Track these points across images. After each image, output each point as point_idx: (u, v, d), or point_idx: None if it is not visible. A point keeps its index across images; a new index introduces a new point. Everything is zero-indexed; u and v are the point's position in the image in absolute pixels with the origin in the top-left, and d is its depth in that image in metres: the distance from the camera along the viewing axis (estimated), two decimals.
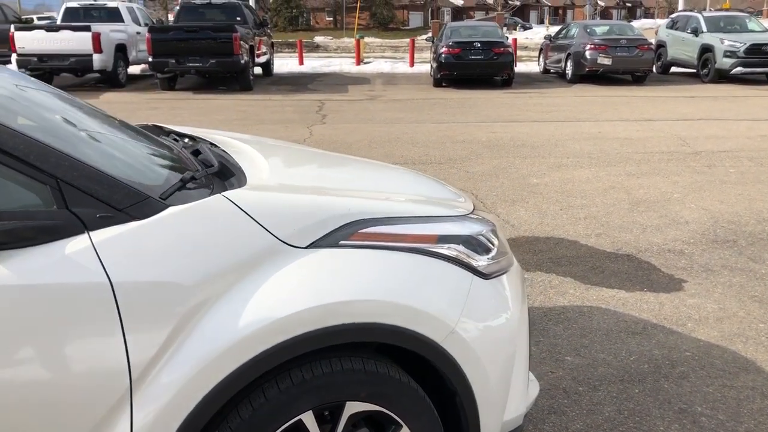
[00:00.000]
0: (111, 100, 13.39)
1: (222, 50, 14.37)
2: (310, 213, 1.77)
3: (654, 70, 17.98)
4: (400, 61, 22.80)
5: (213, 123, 10.41)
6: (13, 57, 14.94)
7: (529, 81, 17.51)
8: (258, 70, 18.23)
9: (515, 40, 22.65)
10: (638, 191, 6.39)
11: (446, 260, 1.90)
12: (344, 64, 21.41)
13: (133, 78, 17.36)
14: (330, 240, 1.76)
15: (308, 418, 1.71)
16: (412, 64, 21.24)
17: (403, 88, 16.12)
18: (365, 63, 21.85)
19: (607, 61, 16.20)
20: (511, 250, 2.26)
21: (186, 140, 2.52)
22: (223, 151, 2.32)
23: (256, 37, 16.51)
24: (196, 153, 2.24)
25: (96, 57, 15.01)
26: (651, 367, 3.19)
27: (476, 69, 15.89)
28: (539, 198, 6.17)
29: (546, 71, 19.34)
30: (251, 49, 15.59)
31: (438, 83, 16.24)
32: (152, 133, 2.57)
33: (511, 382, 2.01)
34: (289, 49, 28.45)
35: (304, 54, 22.06)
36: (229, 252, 1.63)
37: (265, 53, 18.06)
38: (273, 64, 19.39)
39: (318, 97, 14.12)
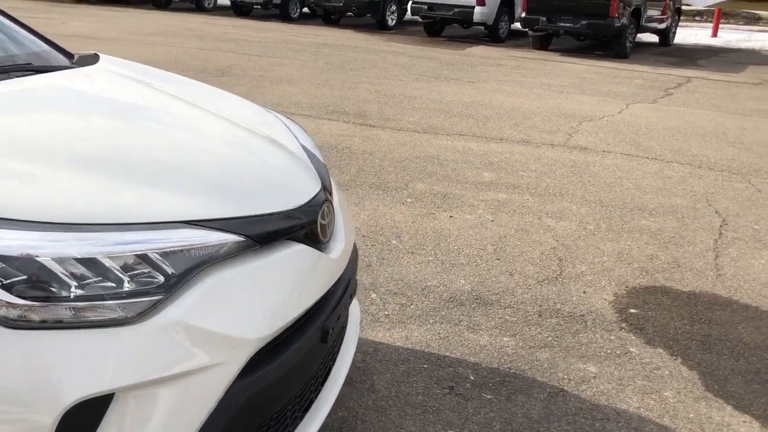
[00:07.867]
0: (472, 54, 13.38)
1: (596, 11, 13.19)
2: None
3: None
4: None
5: (529, 86, 9.62)
6: (410, 4, 16.04)
7: None
8: (653, 38, 16.36)
9: None
10: None
11: None
12: None
13: (519, 34, 17.10)
14: None
15: None
16: None
17: None
18: None
19: None
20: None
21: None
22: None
23: (650, 0, 14.66)
24: None
25: (477, 9, 15.15)
26: None
27: None
28: None
29: None
30: (636, 12, 13.90)
31: None
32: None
33: None
34: (730, 20, 24.43)
35: (721, 25, 18.99)
36: None
37: (664, 20, 16.00)
38: (674, 33, 17.12)
39: (691, 73, 11.96)
